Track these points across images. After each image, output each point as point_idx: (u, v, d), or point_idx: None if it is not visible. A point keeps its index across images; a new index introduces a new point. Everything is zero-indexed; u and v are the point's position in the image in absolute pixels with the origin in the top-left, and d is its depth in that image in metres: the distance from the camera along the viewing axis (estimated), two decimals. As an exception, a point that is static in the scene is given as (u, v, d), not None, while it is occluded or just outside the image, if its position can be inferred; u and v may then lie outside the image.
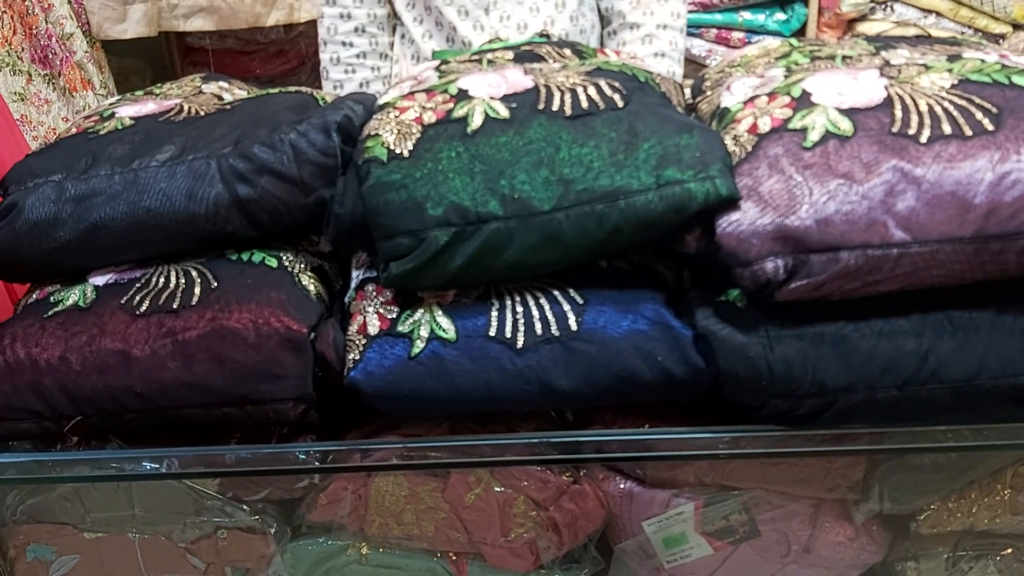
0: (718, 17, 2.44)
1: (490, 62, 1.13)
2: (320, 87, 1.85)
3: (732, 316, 0.93)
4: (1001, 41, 2.40)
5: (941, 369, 0.89)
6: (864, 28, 2.45)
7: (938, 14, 2.41)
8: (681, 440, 0.98)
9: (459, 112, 0.98)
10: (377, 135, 0.98)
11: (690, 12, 2.41)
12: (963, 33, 2.41)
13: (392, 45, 1.71)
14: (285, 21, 2.41)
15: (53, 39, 2.08)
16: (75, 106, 2.14)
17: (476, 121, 0.97)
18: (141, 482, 1.06)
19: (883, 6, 2.43)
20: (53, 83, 2.11)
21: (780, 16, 2.45)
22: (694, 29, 2.44)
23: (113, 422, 1.00)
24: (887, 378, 0.90)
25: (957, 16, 2.39)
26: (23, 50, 2.04)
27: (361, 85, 1.70)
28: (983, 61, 0.98)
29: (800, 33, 2.48)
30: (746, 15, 2.44)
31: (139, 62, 2.77)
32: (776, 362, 0.90)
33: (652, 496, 1.06)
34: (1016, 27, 2.40)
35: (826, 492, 1.06)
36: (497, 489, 1.05)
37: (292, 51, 2.68)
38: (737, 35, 2.45)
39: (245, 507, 1.08)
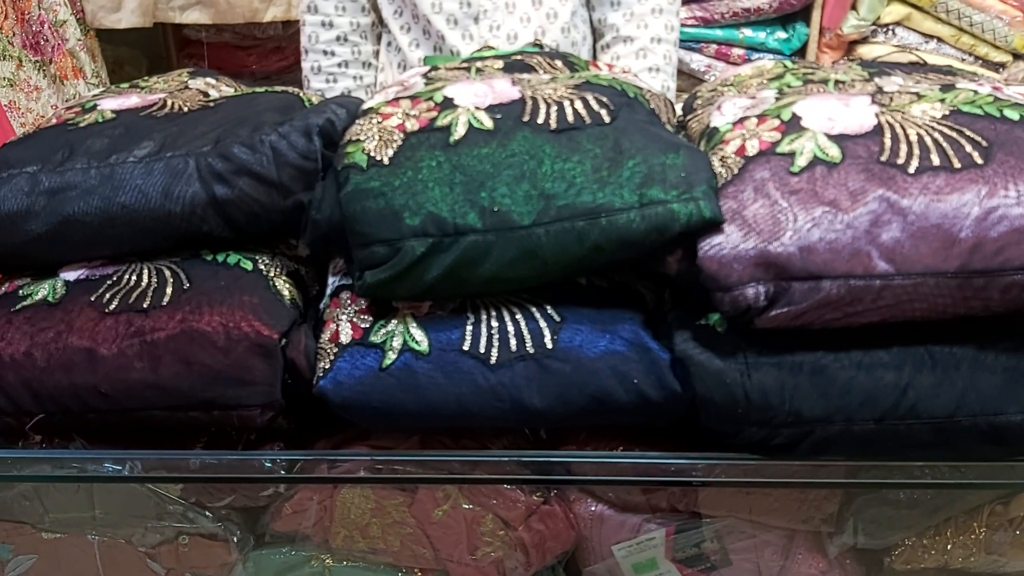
0: (719, 33, 2.43)
1: (479, 70, 1.11)
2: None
3: (711, 341, 0.91)
4: (1001, 70, 2.40)
5: (920, 404, 0.88)
6: (865, 51, 2.44)
7: (940, 40, 2.40)
8: (654, 465, 0.96)
9: (442, 121, 0.97)
10: (358, 141, 0.96)
11: (691, 27, 2.40)
12: (963, 60, 2.41)
13: (376, 53, 1.68)
14: (282, 18, 2.40)
15: (45, 25, 2.06)
16: (65, 94, 2.13)
17: (459, 131, 0.95)
18: (103, 484, 1.04)
19: (884, 30, 2.42)
20: (44, 70, 2.09)
21: (781, 34, 2.44)
22: (694, 44, 2.43)
23: (76, 421, 0.98)
24: (865, 411, 0.88)
25: (958, 43, 2.39)
26: (14, 35, 2.03)
27: (342, 95, 1.67)
28: (976, 92, 0.97)
29: (801, 52, 2.47)
30: (747, 32, 2.43)
31: (135, 52, 2.76)
32: (753, 390, 0.88)
33: (623, 520, 1.05)
34: (1016, 56, 2.40)
35: (800, 523, 1.05)
36: (465, 506, 1.03)
37: (289, 48, 2.67)
38: (737, 51, 2.44)
39: (208, 513, 1.06)
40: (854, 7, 2.38)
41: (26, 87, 2.05)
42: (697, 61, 2.45)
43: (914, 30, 2.41)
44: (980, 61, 2.41)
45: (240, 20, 2.36)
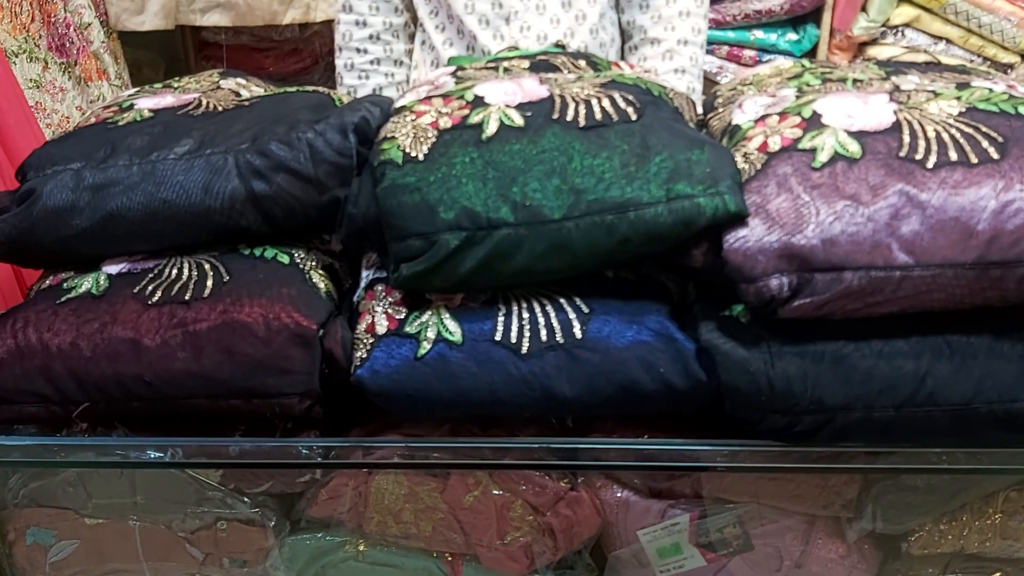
0: (731, 35, 2.46)
1: (506, 70, 1.14)
2: (332, 87, 1.85)
3: (735, 331, 0.94)
4: (1009, 71, 2.42)
5: (938, 392, 0.90)
6: (875, 52, 2.47)
7: (948, 41, 2.43)
8: (679, 451, 0.99)
9: (474, 118, 1.00)
10: (393, 138, 0.99)
11: (703, 28, 2.43)
12: (972, 61, 2.43)
13: (408, 52, 1.72)
14: (301, 20, 2.43)
15: (71, 28, 2.09)
16: (90, 95, 2.16)
17: (491, 128, 0.98)
18: (144, 470, 1.07)
19: (894, 31, 2.45)
20: (69, 72, 2.12)
21: (792, 36, 2.47)
22: (706, 45, 2.46)
23: (120, 409, 1.01)
24: (885, 398, 0.91)
25: (967, 44, 2.41)
26: (40, 38, 2.06)
27: (374, 91, 1.71)
28: (991, 90, 1.00)
29: (811, 54, 2.50)
30: (758, 34, 2.45)
31: (153, 54, 2.78)
32: (776, 378, 0.91)
33: (648, 506, 1.07)
34: (1024, 57, 2.42)
35: (820, 509, 1.07)
36: (495, 492, 1.06)
37: (306, 50, 2.70)
38: (749, 53, 2.47)
39: (246, 499, 1.09)
40: (864, 9, 2.41)
41: (52, 88, 2.08)
42: (709, 62, 2.48)
43: (923, 31, 2.43)
44: (988, 62, 2.43)
45: (259, 23, 2.39)
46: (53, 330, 1.00)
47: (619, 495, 1.08)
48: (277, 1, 2.35)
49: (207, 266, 1.04)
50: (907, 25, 2.43)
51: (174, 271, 1.04)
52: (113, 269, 1.06)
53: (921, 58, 2.39)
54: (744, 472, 1.02)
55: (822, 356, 0.91)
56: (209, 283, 1.01)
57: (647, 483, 1.07)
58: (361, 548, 1.13)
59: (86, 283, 1.05)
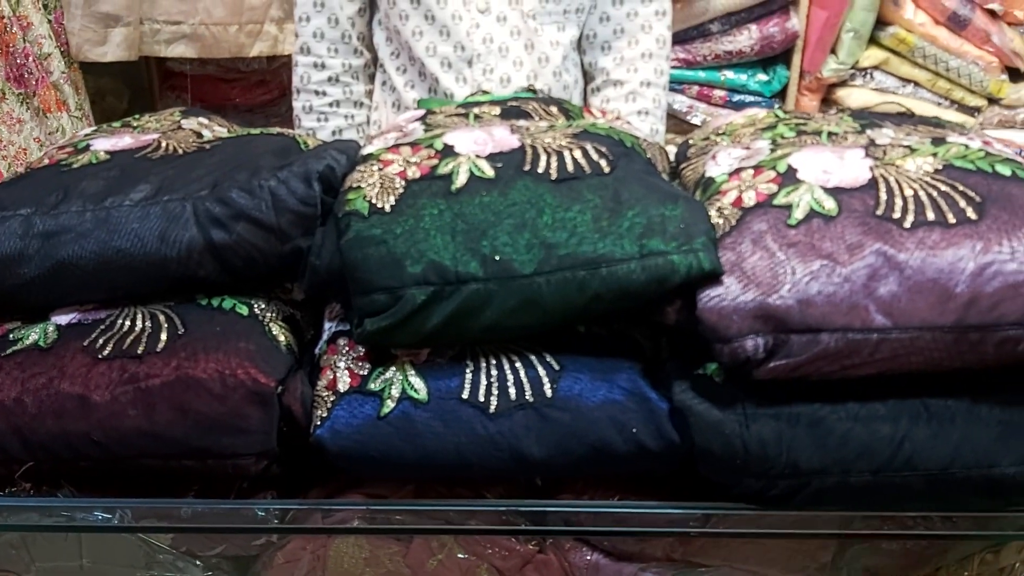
0: (701, 75, 2.46)
1: (477, 117, 1.12)
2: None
3: (709, 391, 0.92)
4: (976, 114, 2.45)
5: (915, 456, 0.89)
6: (843, 94, 2.49)
7: (916, 84, 2.45)
8: (651, 515, 0.96)
9: (444, 169, 0.97)
10: (359, 187, 0.97)
11: (673, 68, 2.43)
12: (940, 104, 2.46)
13: (368, 93, 1.69)
14: (268, 53, 2.40)
15: (30, 58, 2.05)
16: (48, 127, 2.11)
17: (461, 179, 0.96)
18: (91, 533, 1.03)
19: (863, 73, 2.47)
20: (27, 102, 2.07)
21: (762, 77, 2.48)
22: (676, 85, 2.47)
23: (67, 469, 0.97)
24: (861, 463, 0.89)
25: (935, 87, 2.44)
26: (-2, 68, 2.02)
27: (334, 133, 1.67)
28: (967, 147, 0.99)
29: (781, 95, 2.51)
30: (728, 74, 2.46)
31: (116, 83, 2.74)
32: (751, 441, 0.89)
33: (619, 569, 1.04)
34: (991, 101, 2.45)
35: (795, 572, 1.05)
36: (460, 556, 1.02)
37: (273, 81, 2.67)
38: (719, 93, 2.48)
39: (198, 563, 1.05)
40: (833, 51, 2.43)
41: (8, 120, 2.03)
42: (679, 102, 2.48)
43: (892, 74, 2.46)
44: (956, 105, 2.46)
45: (226, 55, 2.35)
46: (-3, 385, 0.95)
47: (588, 558, 1.04)
48: (244, 33, 2.32)
49: (162, 318, 1.00)
50: (876, 68, 2.46)
51: (127, 322, 1.00)
52: (62, 320, 1.02)
53: (894, 108, 2.40)
54: (717, 536, 0.99)
55: (798, 419, 0.89)
56: (163, 336, 0.97)
57: (618, 546, 1.04)
58: (320, 613, 1.08)
59: (33, 334, 1.00)
